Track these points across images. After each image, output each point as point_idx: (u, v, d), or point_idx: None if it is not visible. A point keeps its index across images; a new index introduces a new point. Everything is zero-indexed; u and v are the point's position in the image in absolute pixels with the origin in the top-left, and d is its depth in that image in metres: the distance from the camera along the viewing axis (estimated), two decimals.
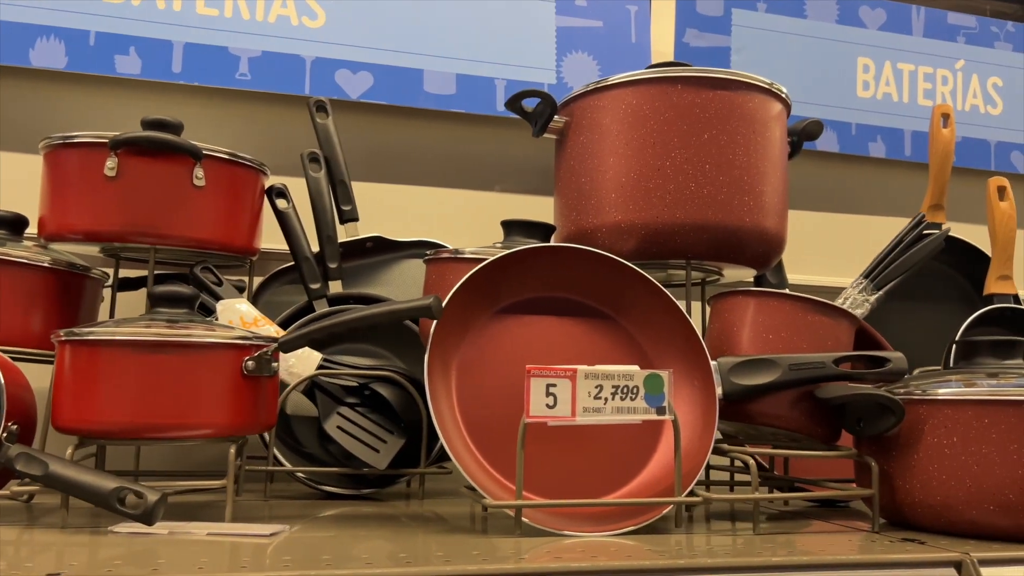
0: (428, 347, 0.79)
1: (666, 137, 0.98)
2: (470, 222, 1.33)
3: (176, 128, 1.03)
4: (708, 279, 1.13)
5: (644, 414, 0.77)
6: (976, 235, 1.38)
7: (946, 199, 1.35)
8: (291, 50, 1.26)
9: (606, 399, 0.76)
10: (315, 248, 1.11)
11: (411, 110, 1.32)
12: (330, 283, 1.11)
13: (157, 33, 1.21)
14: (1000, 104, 1.60)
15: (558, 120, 1.07)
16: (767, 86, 1.02)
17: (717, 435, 0.86)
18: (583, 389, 0.76)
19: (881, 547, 0.73)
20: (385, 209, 1.31)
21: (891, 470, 0.84)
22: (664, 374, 0.78)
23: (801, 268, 1.47)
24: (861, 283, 0.99)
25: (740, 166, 0.99)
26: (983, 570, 0.69)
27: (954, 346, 0.93)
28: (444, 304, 0.81)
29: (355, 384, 1.02)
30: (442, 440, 0.76)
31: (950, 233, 1.35)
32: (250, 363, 0.79)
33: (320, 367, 1.00)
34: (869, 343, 1.15)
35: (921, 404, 0.82)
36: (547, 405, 0.75)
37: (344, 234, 1.15)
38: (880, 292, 0.99)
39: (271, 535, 0.71)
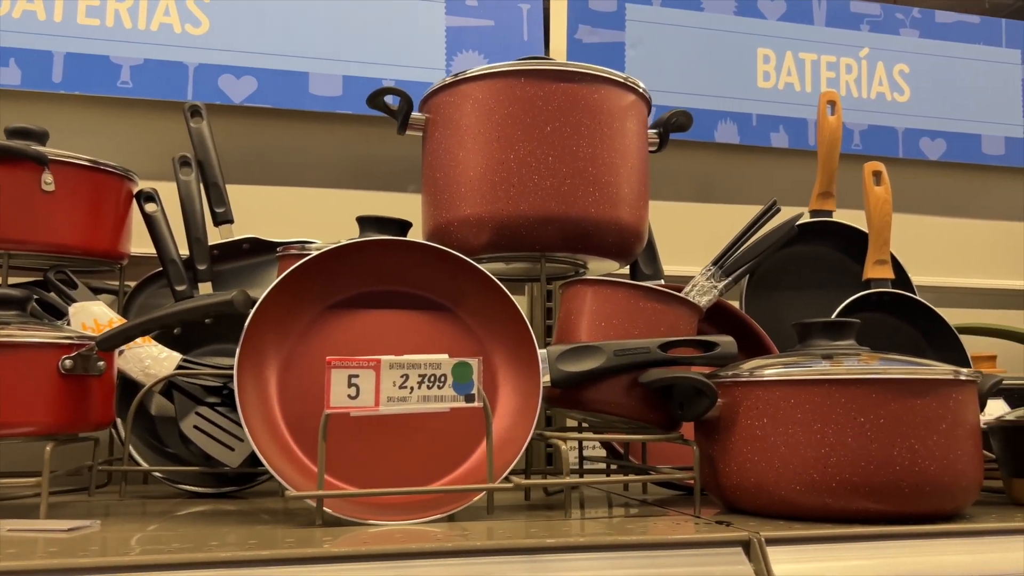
0: (240, 342, 0.80)
1: (510, 131, 0.99)
2: None
3: (40, 136, 1.05)
4: (579, 272, 1.14)
5: (452, 402, 0.78)
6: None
7: (835, 186, 1.35)
8: (174, 57, 1.28)
9: (412, 388, 0.77)
10: (186, 251, 1.12)
11: (298, 112, 1.34)
12: (200, 285, 1.12)
13: (37, 44, 1.23)
14: (907, 91, 1.60)
15: (420, 117, 1.08)
16: (618, 79, 1.03)
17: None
18: (387, 379, 0.76)
19: (678, 529, 0.74)
20: (274, 211, 1.33)
21: (714, 453, 0.84)
22: (473, 362, 0.79)
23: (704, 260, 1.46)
24: (710, 270, 1.00)
25: (584, 157, 0.99)
26: (770, 549, 0.69)
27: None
28: (262, 300, 0.82)
29: (216, 384, 1.03)
30: (247, 436, 0.76)
31: (845, 223, 1.36)
32: (67, 362, 0.80)
33: (179, 367, 1.02)
34: (741, 329, 1.16)
35: (737, 387, 0.82)
36: (349, 396, 0.75)
37: (219, 236, 1.17)
38: (729, 279, 0.99)
39: (69, 530, 0.72)
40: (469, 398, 0.78)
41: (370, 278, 0.90)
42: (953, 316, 1.57)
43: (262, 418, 0.80)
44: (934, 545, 0.72)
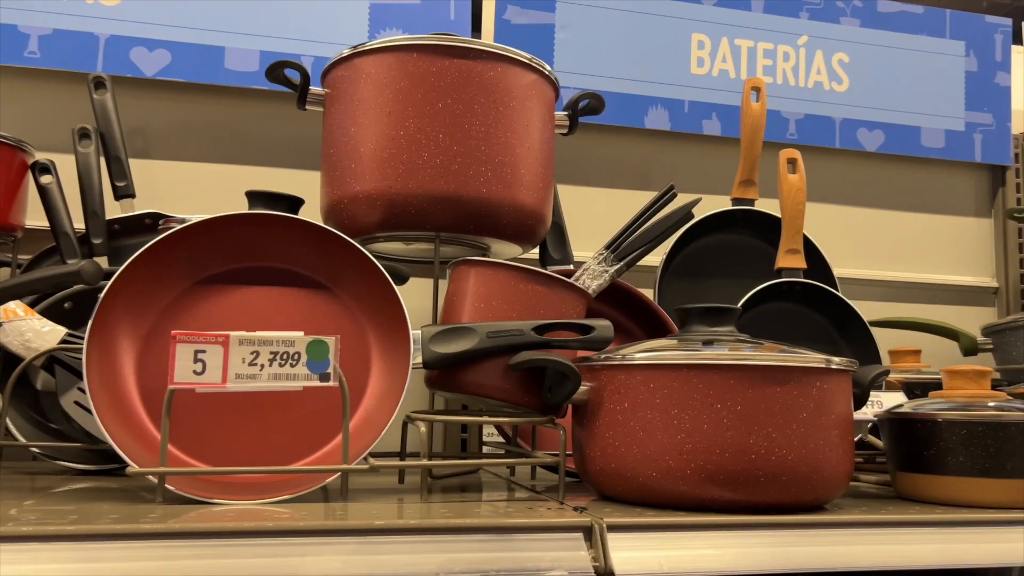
0: (93, 314, 0.78)
1: (401, 106, 0.97)
2: None
3: None
4: (485, 255, 1.12)
5: (306, 380, 0.76)
6: (816, 213, 1.36)
7: (758, 174, 1.34)
8: (84, 28, 1.25)
9: (263, 365, 0.75)
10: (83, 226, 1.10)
11: (213, 87, 1.31)
12: (96, 259, 1.10)
13: None
14: (846, 80, 1.58)
15: (319, 91, 1.06)
16: (520, 58, 1.00)
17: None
18: (236, 355, 0.75)
19: (528, 513, 0.72)
20: (187, 187, 1.30)
21: (583, 438, 0.83)
22: (329, 340, 0.77)
23: None
24: (603, 254, 0.98)
25: (477, 136, 0.97)
26: (611, 536, 0.68)
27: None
28: (118, 273, 0.80)
29: None
30: (92, 411, 0.75)
31: (766, 211, 1.35)
32: None
33: (64, 341, 1.00)
34: (649, 315, 1.15)
35: (604, 371, 0.81)
36: (195, 371, 0.74)
37: (120, 210, 1.15)
38: (621, 263, 0.97)
39: None
40: (324, 377, 0.77)
41: (244, 254, 0.88)
42: (887, 309, 1.57)
43: (109, 393, 0.78)
44: (782, 536, 0.70)
